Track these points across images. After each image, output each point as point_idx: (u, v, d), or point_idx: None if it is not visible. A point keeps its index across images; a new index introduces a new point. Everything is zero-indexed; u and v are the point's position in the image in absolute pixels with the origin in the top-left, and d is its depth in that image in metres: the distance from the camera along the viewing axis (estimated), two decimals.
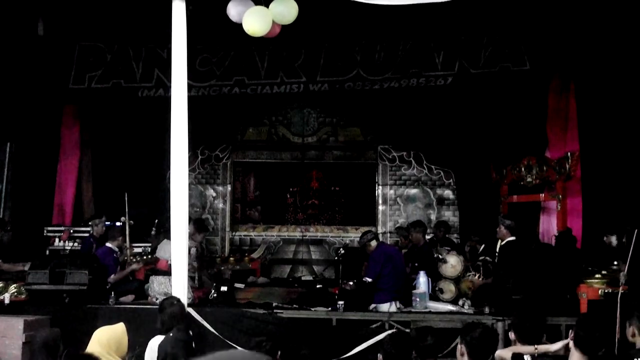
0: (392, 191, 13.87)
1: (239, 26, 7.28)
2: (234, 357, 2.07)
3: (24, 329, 7.22)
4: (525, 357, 4.79)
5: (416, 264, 9.72)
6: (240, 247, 14.01)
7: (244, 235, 14.22)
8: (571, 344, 4.61)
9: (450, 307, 9.05)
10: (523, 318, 5.08)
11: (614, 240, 9.14)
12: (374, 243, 9.45)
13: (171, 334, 5.94)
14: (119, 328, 5.24)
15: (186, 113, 6.76)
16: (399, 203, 13.82)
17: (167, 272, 7.93)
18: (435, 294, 9.38)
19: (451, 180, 13.68)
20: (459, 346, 4.74)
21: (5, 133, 11.12)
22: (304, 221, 14.38)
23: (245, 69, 11.58)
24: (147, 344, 6.16)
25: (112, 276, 9.23)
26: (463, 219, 13.28)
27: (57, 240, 11.40)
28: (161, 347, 5.74)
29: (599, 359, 4.60)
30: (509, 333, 4.82)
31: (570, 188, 10.77)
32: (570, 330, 4.74)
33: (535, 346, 4.84)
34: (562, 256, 9.21)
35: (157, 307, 6.73)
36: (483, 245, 10.54)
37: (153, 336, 6.19)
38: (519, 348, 4.86)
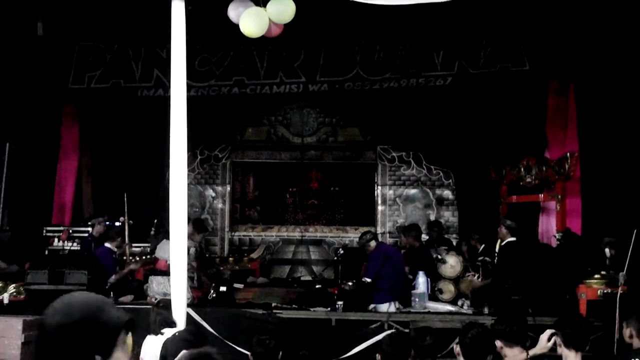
0: (391, 191, 13.86)
1: (238, 26, 7.29)
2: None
3: (23, 329, 7.21)
4: None
5: (409, 268, 9.71)
6: (239, 247, 14.00)
7: (243, 236, 14.20)
8: (563, 349, 4.59)
9: (449, 308, 9.06)
10: (505, 322, 5.05)
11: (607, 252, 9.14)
12: (373, 243, 9.46)
13: (176, 334, 5.94)
14: None
15: (185, 113, 6.74)
16: (398, 203, 13.82)
17: (166, 272, 7.93)
18: (434, 294, 9.39)
19: (450, 181, 13.67)
20: (454, 346, 4.74)
21: (5, 133, 11.12)
22: (304, 221, 14.37)
23: (244, 69, 11.58)
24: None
25: (113, 277, 9.24)
26: (462, 219, 13.27)
27: (56, 240, 11.38)
28: (164, 345, 5.74)
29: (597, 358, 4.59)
30: (496, 341, 4.77)
31: (569, 188, 10.76)
32: (555, 335, 4.71)
33: (527, 353, 4.83)
34: (563, 256, 9.21)
35: None
36: (483, 245, 10.53)
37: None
38: (509, 358, 4.83)
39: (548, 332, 4.80)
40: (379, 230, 13.37)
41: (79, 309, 2.08)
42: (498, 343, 4.80)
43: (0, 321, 7.38)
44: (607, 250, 8.96)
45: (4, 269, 9.48)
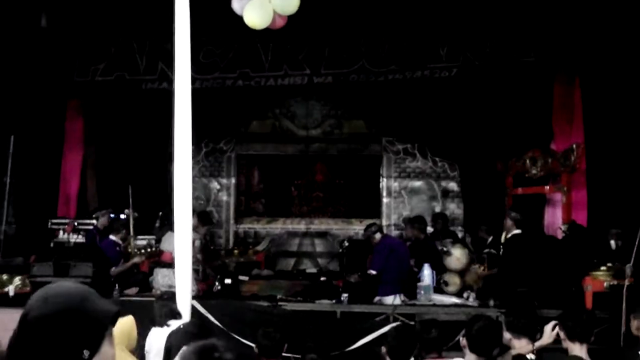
0: (396, 183, 13.84)
1: (242, 18, 7.26)
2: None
3: None
4: (527, 356, 4.76)
5: (414, 260, 9.69)
6: (244, 239, 14.00)
7: (248, 228, 14.20)
8: (567, 343, 4.58)
9: (454, 300, 9.05)
10: (515, 315, 5.04)
11: (613, 243, 9.11)
12: (378, 235, 9.44)
13: (181, 326, 5.94)
14: (129, 321, 5.21)
15: (190, 106, 6.72)
16: (403, 195, 13.79)
17: (172, 265, 7.92)
18: (439, 287, 9.37)
19: (456, 173, 13.64)
20: (461, 339, 4.72)
21: (9, 126, 11.11)
22: (309, 214, 14.37)
23: (249, 61, 11.54)
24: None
25: (114, 269, 9.24)
26: (467, 211, 13.24)
27: (61, 232, 11.39)
28: (169, 337, 5.74)
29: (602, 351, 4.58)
30: (504, 333, 4.77)
31: (575, 180, 10.73)
32: (557, 328, 4.70)
33: (532, 344, 4.82)
34: (569, 248, 9.18)
35: None
36: (491, 237, 10.49)
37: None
38: (516, 350, 4.82)
39: (552, 323, 4.79)
40: (384, 222, 13.35)
41: (63, 299, 1.94)
42: (507, 335, 4.80)
43: (6, 313, 7.37)
44: (612, 242, 8.93)
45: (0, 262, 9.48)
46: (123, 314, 5.41)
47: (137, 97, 12.03)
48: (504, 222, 9.35)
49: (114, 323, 2.02)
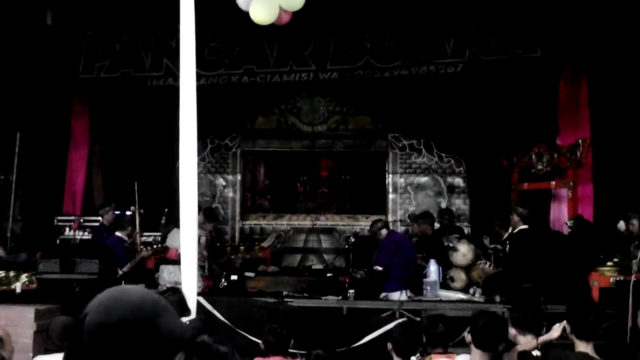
0: (402, 179, 13.82)
1: (247, 14, 7.25)
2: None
3: (35, 317, 7.24)
4: (533, 352, 4.75)
5: (424, 255, 9.68)
6: (250, 236, 14.00)
7: (254, 224, 14.20)
8: (574, 339, 4.56)
9: (461, 296, 9.04)
10: (521, 311, 5.03)
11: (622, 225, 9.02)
12: (384, 231, 9.45)
13: (187, 322, 5.94)
14: None
15: (195, 102, 6.72)
16: (409, 191, 13.77)
17: (177, 261, 7.92)
18: (446, 283, 9.37)
19: (462, 168, 13.61)
20: (466, 334, 4.72)
21: (15, 123, 11.13)
22: (314, 210, 14.36)
23: (254, 57, 11.54)
24: None
25: (127, 266, 9.25)
26: (474, 207, 13.22)
27: (67, 229, 11.42)
28: None
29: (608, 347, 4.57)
30: (509, 329, 4.76)
31: (581, 175, 10.71)
32: (566, 324, 4.69)
33: (537, 339, 4.81)
34: (575, 243, 9.16)
35: None
36: (508, 233, 10.45)
37: None
38: (522, 346, 4.82)
39: (563, 323, 4.73)
40: (390, 218, 13.32)
41: (132, 308, 1.63)
42: (512, 331, 4.79)
43: (13, 310, 7.41)
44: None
45: (6, 258, 9.48)
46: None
47: (143, 94, 12.05)
48: (511, 218, 9.33)
49: (186, 348, 1.74)
